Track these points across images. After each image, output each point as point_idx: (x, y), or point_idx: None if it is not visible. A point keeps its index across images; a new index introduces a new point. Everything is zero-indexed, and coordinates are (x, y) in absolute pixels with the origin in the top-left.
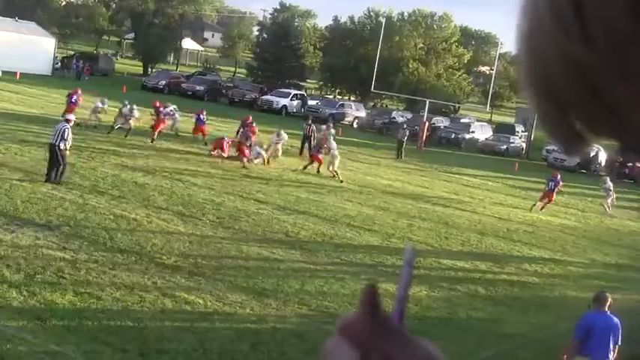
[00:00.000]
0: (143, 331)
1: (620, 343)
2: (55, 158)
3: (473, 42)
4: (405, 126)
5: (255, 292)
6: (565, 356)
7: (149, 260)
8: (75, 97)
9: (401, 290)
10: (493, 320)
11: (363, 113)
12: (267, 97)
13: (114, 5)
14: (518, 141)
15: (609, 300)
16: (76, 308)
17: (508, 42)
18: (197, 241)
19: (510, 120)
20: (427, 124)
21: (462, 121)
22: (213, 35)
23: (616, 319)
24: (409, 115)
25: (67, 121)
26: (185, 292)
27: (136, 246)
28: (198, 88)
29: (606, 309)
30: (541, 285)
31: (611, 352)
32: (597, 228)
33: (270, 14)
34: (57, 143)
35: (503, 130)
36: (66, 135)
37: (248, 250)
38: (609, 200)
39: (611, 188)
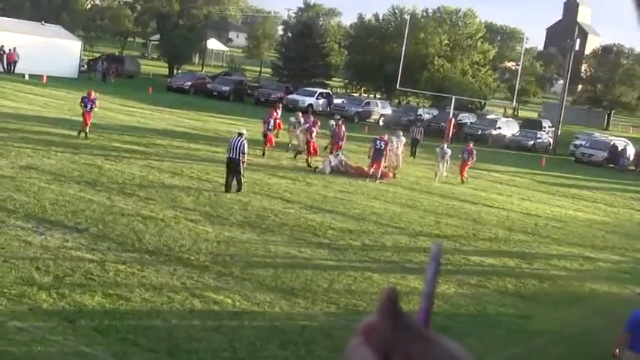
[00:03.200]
0: (172, 332)
1: None
2: (236, 170)
3: (498, 38)
4: (419, 124)
5: (284, 291)
6: (617, 350)
7: (177, 261)
8: (90, 105)
9: (427, 287)
10: (523, 316)
11: (388, 111)
12: (293, 96)
13: (139, 7)
14: (545, 136)
15: None
16: (105, 309)
17: (533, 37)
18: (225, 241)
19: (536, 115)
20: (453, 120)
21: (489, 117)
22: (238, 35)
23: None
24: (435, 112)
25: (240, 135)
26: (213, 292)
27: (164, 247)
28: (223, 88)
29: None
30: (570, 281)
31: None
32: (627, 223)
33: (295, 13)
34: (237, 157)
35: (529, 125)
36: (244, 149)
37: (276, 249)
38: None
39: None
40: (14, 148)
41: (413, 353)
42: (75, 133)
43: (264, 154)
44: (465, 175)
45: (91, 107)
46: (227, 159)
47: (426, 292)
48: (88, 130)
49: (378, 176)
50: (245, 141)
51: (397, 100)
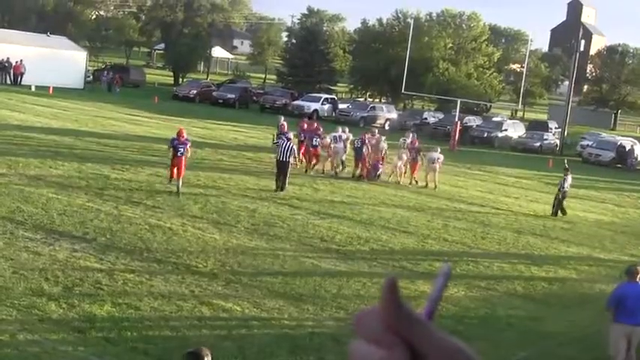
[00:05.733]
0: (182, 340)
1: None
2: (284, 171)
3: (503, 40)
4: (413, 129)
5: (293, 298)
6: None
7: (185, 269)
8: (182, 148)
9: (435, 292)
10: (533, 318)
11: (394, 115)
12: (298, 102)
13: (143, 17)
14: (552, 137)
15: None
16: (115, 319)
17: (538, 39)
18: (233, 248)
19: (543, 117)
20: (459, 123)
21: (494, 119)
22: (242, 43)
23: None
24: (441, 116)
25: (289, 139)
26: (222, 299)
27: (172, 255)
28: (229, 96)
29: (638, 280)
30: (580, 282)
31: None
32: (635, 223)
33: (299, 19)
34: (286, 159)
35: (536, 127)
36: (293, 151)
37: (284, 255)
38: None
39: None
40: (22, 159)
41: (417, 341)
42: (79, 144)
43: (307, 170)
44: (415, 177)
45: (183, 151)
46: (277, 161)
47: (433, 295)
48: (181, 183)
49: (364, 175)
50: (293, 145)
51: (403, 105)
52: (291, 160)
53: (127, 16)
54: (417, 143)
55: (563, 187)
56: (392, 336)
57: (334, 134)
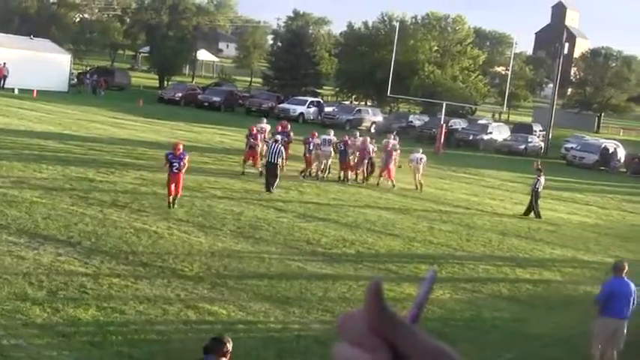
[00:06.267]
0: (167, 344)
1: (635, 304)
2: (273, 172)
3: (487, 43)
4: (395, 132)
5: (279, 301)
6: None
7: (171, 272)
8: (177, 163)
9: (421, 296)
10: (518, 320)
11: (380, 118)
12: (284, 105)
13: (128, 19)
14: (537, 140)
15: (626, 268)
16: (100, 323)
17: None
18: (218, 251)
19: (527, 119)
20: (444, 126)
21: (480, 122)
22: (227, 46)
23: (632, 284)
24: (426, 118)
25: (276, 141)
26: (208, 303)
27: (157, 259)
28: (214, 99)
29: (623, 276)
30: (565, 284)
31: (629, 312)
32: (619, 225)
33: (284, 22)
34: (275, 161)
35: (520, 129)
36: (282, 153)
37: (270, 258)
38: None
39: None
40: (5, 162)
41: (400, 343)
42: (64, 147)
43: (304, 175)
44: (386, 177)
45: (178, 166)
46: (267, 163)
47: (419, 300)
48: (176, 198)
49: (349, 177)
50: (282, 146)
51: (389, 108)
52: (280, 161)
53: (111, 19)
54: (390, 145)
55: (536, 188)
56: (375, 339)
57: (324, 137)
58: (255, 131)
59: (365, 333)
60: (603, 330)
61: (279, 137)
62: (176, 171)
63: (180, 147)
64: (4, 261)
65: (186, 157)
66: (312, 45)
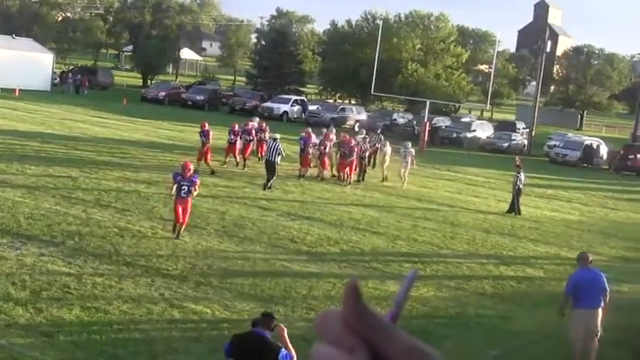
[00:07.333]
0: (151, 343)
1: (608, 290)
2: (272, 171)
3: (471, 41)
4: (379, 131)
5: (263, 300)
6: (564, 310)
7: (155, 272)
8: (186, 187)
9: (400, 295)
10: (502, 317)
11: (363, 116)
12: (268, 104)
13: (111, 18)
14: (520, 138)
15: (590, 258)
16: (84, 323)
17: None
18: (203, 250)
19: (511, 117)
20: (428, 124)
21: (463, 120)
22: (211, 44)
23: (598, 271)
24: (410, 117)
25: (275, 140)
26: (192, 302)
27: (141, 258)
28: (198, 97)
29: (589, 266)
30: (548, 280)
31: (602, 301)
32: (602, 221)
33: (268, 21)
34: (274, 159)
35: (504, 127)
36: (281, 150)
37: (254, 257)
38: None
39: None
40: None
41: (377, 342)
42: (47, 147)
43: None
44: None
45: (187, 190)
46: (265, 161)
47: (398, 299)
48: (182, 228)
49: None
50: (280, 144)
51: (373, 106)
52: (278, 159)
53: (94, 18)
54: (330, 136)
55: (517, 185)
56: (353, 338)
57: (321, 137)
58: (237, 128)
59: (343, 332)
60: (577, 322)
61: (277, 136)
62: (184, 195)
63: (191, 167)
64: None
65: (198, 182)
66: (296, 43)
